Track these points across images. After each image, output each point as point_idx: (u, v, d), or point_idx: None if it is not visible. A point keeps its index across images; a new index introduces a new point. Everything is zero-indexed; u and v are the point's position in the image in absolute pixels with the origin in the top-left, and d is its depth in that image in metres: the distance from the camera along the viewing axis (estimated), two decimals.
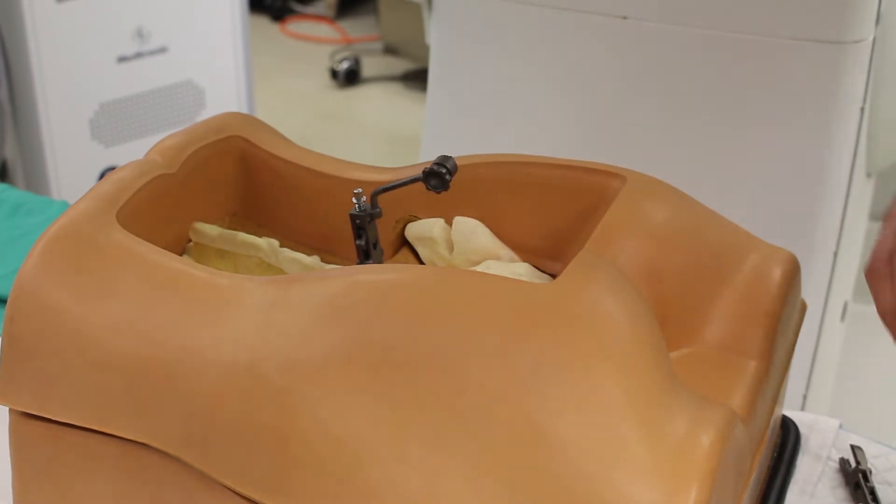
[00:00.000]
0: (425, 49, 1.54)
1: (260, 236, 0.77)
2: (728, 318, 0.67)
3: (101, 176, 2.31)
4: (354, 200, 0.72)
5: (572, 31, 1.40)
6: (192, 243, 0.77)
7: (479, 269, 0.73)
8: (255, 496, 0.60)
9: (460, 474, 0.54)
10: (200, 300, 0.63)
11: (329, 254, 0.79)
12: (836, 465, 0.80)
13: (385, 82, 3.66)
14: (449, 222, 0.76)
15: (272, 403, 0.59)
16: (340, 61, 3.63)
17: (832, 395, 1.49)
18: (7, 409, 0.67)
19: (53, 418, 0.65)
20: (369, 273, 0.64)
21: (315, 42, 4.00)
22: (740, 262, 0.69)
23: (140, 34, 2.29)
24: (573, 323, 0.57)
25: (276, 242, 0.76)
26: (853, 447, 0.81)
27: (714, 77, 1.23)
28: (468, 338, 0.57)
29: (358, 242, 0.73)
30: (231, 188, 0.79)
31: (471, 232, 0.75)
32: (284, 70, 3.74)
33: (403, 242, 0.79)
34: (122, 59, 2.28)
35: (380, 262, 0.74)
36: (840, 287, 1.38)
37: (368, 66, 3.70)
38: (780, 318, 0.68)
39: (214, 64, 2.44)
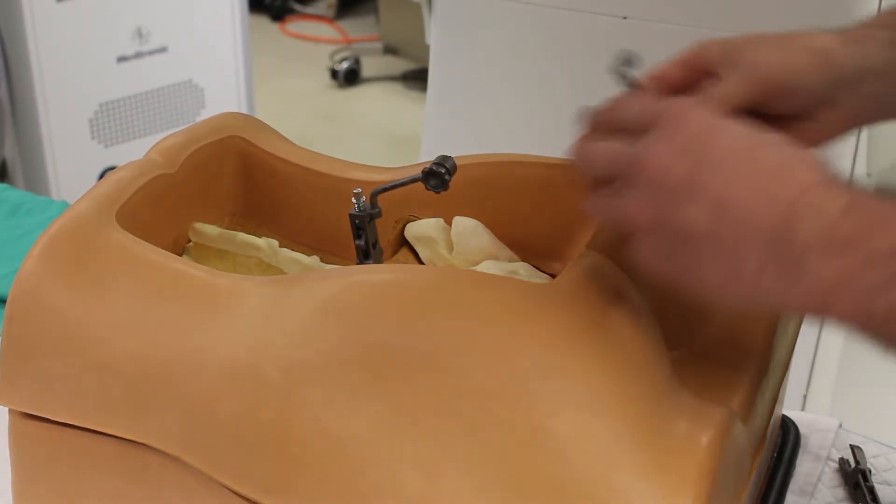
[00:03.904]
0: (425, 49, 1.54)
1: (259, 236, 0.77)
2: (728, 318, 0.67)
3: (101, 176, 2.31)
4: (354, 200, 0.72)
5: (572, 31, 1.40)
6: (191, 243, 0.77)
7: (478, 269, 0.73)
8: (255, 496, 0.60)
9: (459, 474, 0.54)
10: (200, 300, 0.63)
11: (329, 254, 0.79)
12: (836, 465, 0.80)
13: (385, 82, 3.66)
14: (449, 222, 0.76)
15: (272, 403, 0.59)
16: (340, 61, 3.63)
17: (832, 395, 1.49)
18: (7, 409, 0.67)
19: (53, 418, 0.65)
20: (368, 273, 0.64)
21: (315, 42, 4.01)
22: None
23: (140, 34, 2.29)
24: (573, 323, 0.57)
25: (275, 242, 0.76)
26: (853, 447, 0.81)
27: None
28: (467, 338, 0.57)
29: (357, 242, 0.72)
30: (231, 188, 0.79)
31: (470, 232, 0.75)
32: (284, 70, 3.74)
33: (403, 242, 0.79)
34: (122, 59, 2.28)
35: (379, 262, 0.74)
36: None
37: (368, 66, 3.70)
38: (780, 318, 0.68)
39: (214, 64, 2.44)
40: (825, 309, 0.49)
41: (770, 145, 0.53)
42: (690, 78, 0.66)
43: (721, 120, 0.54)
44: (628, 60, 0.63)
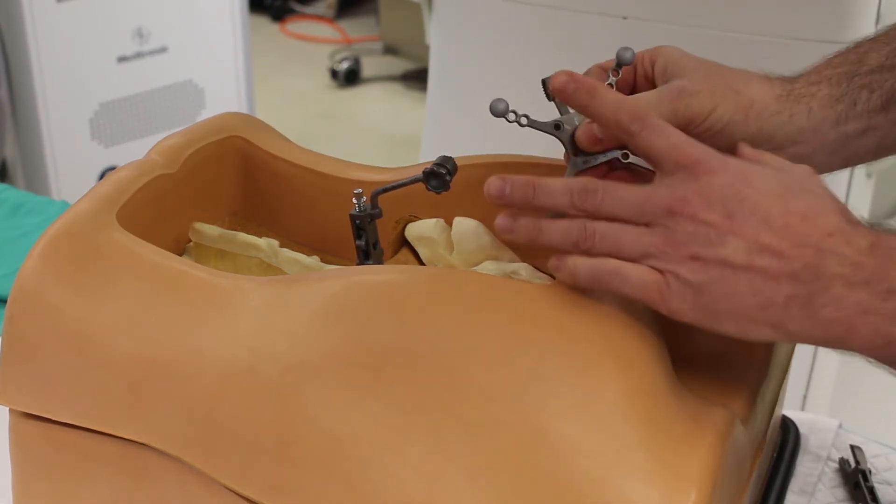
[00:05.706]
0: (425, 49, 1.54)
1: (260, 236, 0.77)
2: None
3: (101, 176, 2.31)
4: (354, 201, 0.72)
5: (572, 32, 1.40)
6: (191, 243, 0.77)
7: (479, 269, 0.73)
8: (255, 496, 0.60)
9: (460, 475, 0.54)
10: (200, 301, 0.63)
11: (329, 254, 0.79)
12: (836, 465, 0.80)
13: (385, 82, 3.66)
14: (449, 222, 0.76)
15: (272, 404, 0.59)
16: (340, 61, 3.63)
17: (832, 395, 1.49)
18: (7, 409, 0.67)
19: (53, 418, 0.65)
20: (369, 274, 0.64)
21: (315, 42, 4.01)
22: None
23: (140, 34, 2.29)
24: (573, 324, 0.57)
25: (275, 243, 0.76)
26: (853, 447, 0.81)
27: None
28: (468, 338, 0.57)
29: (358, 243, 0.72)
30: (231, 188, 0.79)
31: (471, 232, 0.75)
32: (284, 70, 3.74)
33: (403, 242, 0.79)
34: (122, 59, 2.28)
35: (380, 262, 0.74)
36: None
37: (368, 66, 3.70)
38: None
39: (214, 64, 2.44)
40: (848, 335, 0.53)
41: (799, 191, 0.56)
42: (633, 77, 0.69)
43: (752, 166, 0.57)
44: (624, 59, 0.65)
